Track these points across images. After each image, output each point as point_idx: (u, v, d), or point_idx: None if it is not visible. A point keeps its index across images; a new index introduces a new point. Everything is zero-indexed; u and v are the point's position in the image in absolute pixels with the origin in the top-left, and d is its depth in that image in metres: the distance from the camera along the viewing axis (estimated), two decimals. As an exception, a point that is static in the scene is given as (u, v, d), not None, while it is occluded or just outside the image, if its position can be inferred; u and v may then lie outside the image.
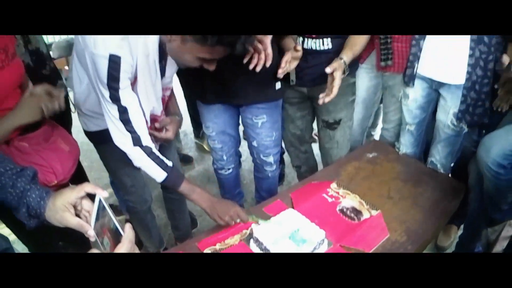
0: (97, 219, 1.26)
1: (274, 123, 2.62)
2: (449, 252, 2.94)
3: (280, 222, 1.94)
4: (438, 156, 2.59)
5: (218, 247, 1.92)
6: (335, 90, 2.14)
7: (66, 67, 5.51)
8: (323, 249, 1.89)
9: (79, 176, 2.39)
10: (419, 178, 2.37)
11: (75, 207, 1.28)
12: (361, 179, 2.39)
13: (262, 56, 1.93)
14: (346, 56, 2.22)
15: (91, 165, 2.25)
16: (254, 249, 1.89)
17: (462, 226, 2.89)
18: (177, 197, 2.82)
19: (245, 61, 1.95)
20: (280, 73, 2.12)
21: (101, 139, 2.13)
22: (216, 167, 2.94)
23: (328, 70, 2.12)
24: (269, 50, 1.95)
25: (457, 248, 2.78)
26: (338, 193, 2.26)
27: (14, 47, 1.83)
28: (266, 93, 2.46)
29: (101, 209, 1.27)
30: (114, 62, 1.62)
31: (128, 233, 1.18)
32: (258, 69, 1.95)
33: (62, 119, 2.20)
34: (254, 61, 1.95)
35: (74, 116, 2.31)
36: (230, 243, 1.95)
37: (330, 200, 2.22)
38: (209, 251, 1.89)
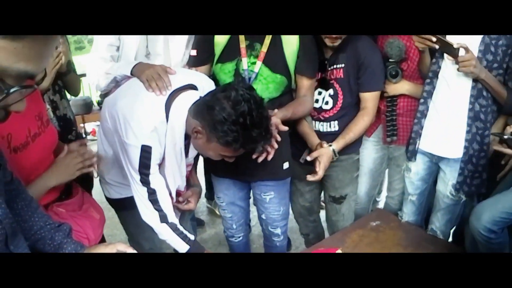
0: None
1: (282, 199, 2.72)
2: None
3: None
4: (438, 223, 2.70)
5: None
6: (320, 172, 2.42)
7: (81, 125, 5.67)
8: None
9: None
10: (419, 244, 2.47)
11: None
12: (365, 245, 2.50)
13: (271, 151, 2.14)
14: (337, 143, 2.49)
15: (106, 224, 2.35)
16: None
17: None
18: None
19: (254, 157, 2.15)
20: (318, 177, 2.46)
21: (122, 206, 2.27)
22: (226, 235, 3.01)
23: (308, 158, 2.41)
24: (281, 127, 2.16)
25: None
26: None
27: (47, 114, 1.90)
28: (273, 173, 2.57)
29: None
30: (146, 152, 1.82)
31: None
32: (269, 158, 2.16)
33: (86, 181, 2.34)
34: (263, 156, 2.15)
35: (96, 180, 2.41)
36: None
37: None
38: None
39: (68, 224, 1.49)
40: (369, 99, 2.58)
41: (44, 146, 1.80)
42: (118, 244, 1.45)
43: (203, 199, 4.62)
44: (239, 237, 3.00)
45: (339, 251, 2.43)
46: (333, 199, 2.90)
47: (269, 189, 2.66)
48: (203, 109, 1.80)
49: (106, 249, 1.41)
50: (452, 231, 2.93)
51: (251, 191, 2.83)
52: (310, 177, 2.43)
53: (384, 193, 3.94)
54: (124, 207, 2.23)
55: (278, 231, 2.86)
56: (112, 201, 2.35)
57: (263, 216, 2.82)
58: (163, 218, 1.97)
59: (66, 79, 2.70)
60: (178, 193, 2.21)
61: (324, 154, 2.39)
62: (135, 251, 1.45)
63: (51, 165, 1.82)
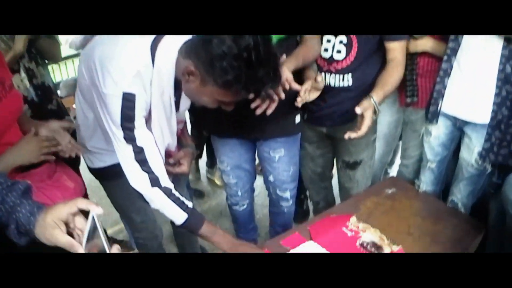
0: (89, 238, 1.14)
1: (292, 157, 2.55)
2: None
3: (300, 256, 1.88)
4: (460, 195, 2.52)
5: None
6: (364, 129, 2.03)
7: (74, 106, 5.50)
8: None
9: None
10: (439, 216, 2.29)
11: (67, 224, 1.16)
12: (380, 214, 2.32)
13: (273, 103, 1.90)
14: (377, 95, 2.09)
15: (100, 202, 2.18)
16: None
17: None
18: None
19: (253, 106, 1.91)
20: (299, 101, 2.05)
21: (107, 175, 2.08)
22: (230, 203, 2.86)
23: (358, 110, 1.99)
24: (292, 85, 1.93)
25: None
26: (358, 227, 2.19)
27: (10, 79, 1.77)
28: (284, 128, 2.40)
29: (94, 228, 1.18)
30: (128, 101, 1.56)
31: None
32: (268, 112, 1.92)
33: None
34: (263, 106, 1.92)
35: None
36: None
37: (349, 234, 2.15)
38: None
39: (25, 182, 1.27)
40: (398, 49, 2.23)
41: (7, 112, 1.69)
42: (78, 200, 1.21)
43: (202, 169, 4.52)
44: (244, 205, 2.83)
45: (353, 218, 2.25)
46: (347, 164, 2.68)
47: (279, 146, 2.46)
48: (198, 45, 1.53)
49: (64, 207, 1.16)
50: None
51: (257, 153, 2.65)
52: (351, 134, 2.06)
53: (396, 165, 3.81)
54: (110, 177, 2.04)
55: (287, 194, 2.68)
56: (95, 171, 2.15)
57: (271, 178, 2.63)
58: (154, 181, 1.73)
59: (40, 43, 2.51)
60: (169, 154, 2.00)
61: (368, 108, 2.02)
62: (99, 208, 1.22)
63: (16, 143, 1.69)
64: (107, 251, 1.09)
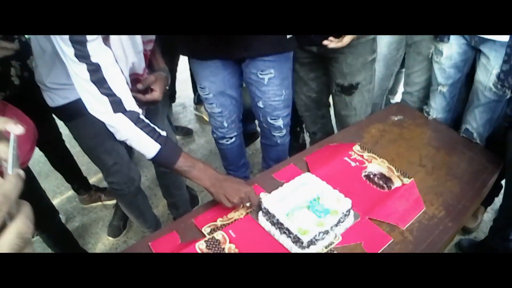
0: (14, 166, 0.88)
1: (284, 79, 2.25)
2: (476, 236, 2.73)
3: (295, 189, 1.58)
4: (475, 123, 2.22)
5: (219, 223, 1.59)
6: (345, 40, 1.94)
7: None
8: (349, 222, 1.56)
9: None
10: (452, 146, 2.04)
11: None
12: (388, 142, 2.05)
13: None
14: None
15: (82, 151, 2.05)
16: (264, 223, 1.55)
17: (489, 208, 2.77)
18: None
19: None
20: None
21: (71, 113, 1.85)
22: (216, 136, 2.59)
23: None
24: None
25: (491, 233, 2.50)
26: (362, 156, 1.92)
27: None
28: (274, 43, 2.07)
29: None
30: None
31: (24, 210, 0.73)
32: None
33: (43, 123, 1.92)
34: None
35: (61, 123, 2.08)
36: (233, 217, 1.61)
37: (353, 164, 1.88)
38: (208, 229, 1.56)
39: None
40: None
41: None
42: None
43: (190, 107, 4.25)
44: (232, 137, 2.54)
45: (356, 147, 1.98)
46: (342, 88, 2.40)
47: (268, 66, 2.13)
48: None
49: None
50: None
51: (244, 77, 2.32)
52: (330, 43, 1.94)
53: (399, 95, 3.57)
54: (74, 115, 1.81)
55: (280, 123, 2.38)
56: (58, 111, 1.92)
57: (260, 104, 2.31)
58: (117, 105, 1.46)
59: None
60: (137, 79, 1.75)
61: None
62: (19, 127, 0.90)
63: None
64: (9, 172, 0.78)
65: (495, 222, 2.51)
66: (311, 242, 1.41)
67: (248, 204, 1.60)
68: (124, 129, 1.48)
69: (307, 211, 1.48)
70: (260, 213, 1.56)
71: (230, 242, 1.48)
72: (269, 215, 1.50)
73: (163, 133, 1.54)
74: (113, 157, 2.06)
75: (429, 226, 1.58)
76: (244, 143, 2.78)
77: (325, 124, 2.84)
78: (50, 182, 3.29)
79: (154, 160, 1.55)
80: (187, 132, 3.86)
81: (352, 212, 1.56)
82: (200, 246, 1.47)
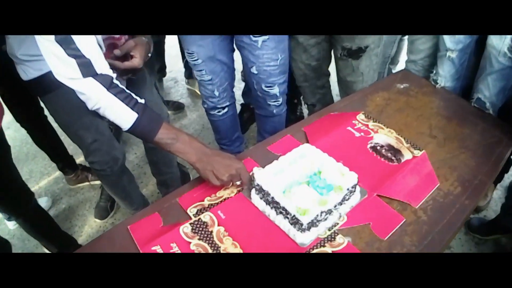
0: None
1: (279, 42, 2.07)
2: (486, 214, 2.64)
3: (293, 162, 1.39)
4: (488, 92, 2.01)
5: (207, 202, 1.40)
6: None
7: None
8: (355, 199, 1.37)
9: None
10: (464, 117, 1.86)
11: None
12: (394, 112, 1.86)
13: None
14: None
15: None
16: (257, 202, 1.36)
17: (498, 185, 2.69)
18: None
19: None
20: None
21: (44, 86, 1.73)
22: (207, 107, 2.43)
23: None
24: None
25: (502, 211, 2.41)
26: (367, 126, 1.73)
27: None
28: None
29: None
30: None
31: None
32: None
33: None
34: None
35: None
36: (223, 196, 1.42)
37: (357, 134, 1.69)
38: (195, 209, 1.37)
39: None
40: None
41: None
42: None
43: (182, 81, 4.11)
44: (224, 108, 2.40)
45: (360, 115, 1.79)
46: (349, 52, 2.21)
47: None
48: None
49: None
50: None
51: (235, 42, 2.16)
52: None
53: (401, 64, 3.40)
54: (48, 87, 1.71)
55: (275, 91, 2.22)
56: (32, 85, 1.78)
57: (254, 70, 2.13)
58: (86, 68, 1.26)
59: None
60: (114, 44, 1.58)
61: None
62: None
63: None
64: None
65: (507, 199, 2.42)
66: (312, 224, 1.22)
67: (238, 183, 1.41)
68: (95, 95, 1.28)
69: (307, 188, 1.29)
70: (253, 190, 1.37)
71: (218, 225, 1.31)
72: (263, 192, 1.31)
73: (141, 101, 1.35)
74: (91, 133, 1.92)
75: (445, 204, 1.42)
76: (237, 115, 2.62)
77: (324, 95, 2.67)
78: (37, 163, 3.24)
79: (131, 131, 1.35)
80: (178, 107, 3.73)
81: (358, 188, 1.38)
82: (185, 230, 1.29)
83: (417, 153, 1.57)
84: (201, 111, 3.61)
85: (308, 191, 1.27)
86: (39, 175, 3.12)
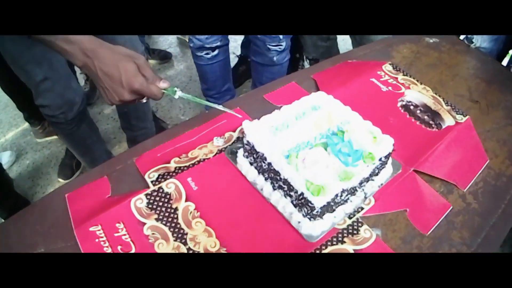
0: None
1: None
2: None
3: (302, 115, 1.00)
4: None
5: (174, 165, 1.01)
6: None
7: None
8: (386, 174, 1.01)
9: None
10: (504, 83, 1.54)
11: None
12: (426, 67, 1.52)
13: None
14: None
15: None
16: (246, 169, 0.98)
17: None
18: None
19: None
20: None
21: None
22: (193, 46, 2.14)
23: None
24: None
25: None
26: (396, 79, 1.36)
27: None
28: None
29: None
30: None
31: None
32: None
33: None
34: None
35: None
36: (198, 156, 1.04)
37: (384, 88, 1.32)
38: (156, 174, 0.99)
39: None
40: None
41: None
42: None
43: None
44: (214, 49, 2.13)
45: (387, 66, 1.42)
46: None
47: None
48: None
49: None
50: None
51: None
52: None
53: None
54: None
55: None
56: None
57: None
58: None
59: None
60: None
61: None
62: None
63: None
64: None
65: None
66: (327, 208, 0.84)
67: (144, 100, 1.00)
68: None
69: (323, 153, 0.88)
70: (241, 151, 0.98)
71: (187, 200, 0.93)
72: (255, 155, 0.92)
73: None
74: (43, 69, 1.63)
75: (498, 188, 1.11)
76: (230, 63, 2.31)
77: (329, 49, 2.41)
78: (7, 113, 3.01)
79: None
80: (165, 56, 3.47)
81: (390, 159, 1.00)
82: (138, 204, 0.92)
83: (460, 118, 1.24)
84: (190, 61, 3.36)
85: (325, 158, 0.87)
86: (7, 126, 2.88)
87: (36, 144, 2.73)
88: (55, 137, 2.70)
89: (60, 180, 2.46)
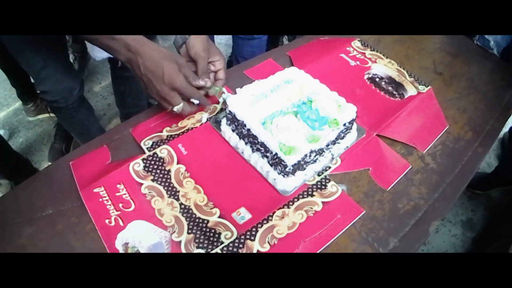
0: None
1: None
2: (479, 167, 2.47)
3: (277, 88, 1.11)
4: None
5: (166, 133, 1.12)
6: None
7: None
8: (351, 139, 1.12)
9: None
10: (469, 55, 1.62)
11: None
12: (393, 42, 1.60)
13: None
14: None
15: None
16: (229, 134, 1.10)
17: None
18: (131, 73, 2.03)
19: None
20: None
21: None
22: None
23: None
24: None
25: (502, 162, 2.40)
26: (364, 54, 1.46)
27: None
28: None
29: None
30: None
31: None
32: None
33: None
34: None
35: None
36: (186, 126, 1.15)
37: (352, 63, 1.42)
38: (150, 142, 1.10)
39: None
40: None
41: None
42: None
43: None
44: None
45: (356, 42, 1.52)
46: None
47: None
48: None
49: None
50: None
51: None
52: None
53: None
54: None
55: None
56: None
57: None
58: None
59: None
60: None
61: None
62: None
63: None
64: None
65: (507, 150, 2.37)
66: (298, 166, 0.96)
67: (176, 109, 1.08)
68: None
69: (294, 119, 1.01)
70: (224, 120, 1.09)
71: (178, 162, 1.04)
72: (236, 123, 1.04)
73: None
74: (43, 57, 1.66)
75: (456, 150, 1.21)
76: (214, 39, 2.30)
77: None
78: None
79: None
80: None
81: (355, 125, 1.12)
82: (136, 167, 1.03)
83: (422, 89, 1.33)
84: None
85: (295, 123, 0.99)
86: (-2, 106, 2.90)
87: (28, 122, 2.75)
88: (46, 115, 2.73)
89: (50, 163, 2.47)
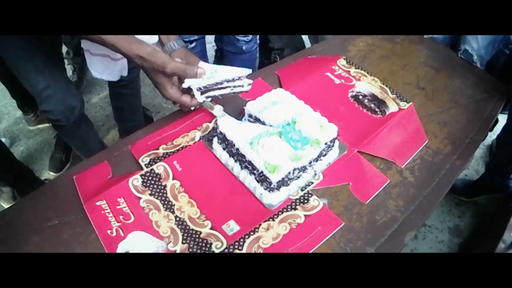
0: None
1: None
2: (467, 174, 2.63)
3: (264, 109, 1.20)
4: (476, 44, 1.87)
5: (162, 151, 1.20)
6: None
7: None
8: (333, 156, 1.20)
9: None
10: (453, 69, 1.70)
11: None
12: (378, 59, 1.68)
13: None
14: None
15: None
16: (219, 153, 1.18)
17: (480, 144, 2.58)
18: (128, 91, 2.14)
19: None
20: None
21: None
22: None
23: None
24: None
25: (488, 170, 2.40)
26: (348, 72, 1.54)
27: None
28: None
29: None
30: None
31: None
32: None
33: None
34: None
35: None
36: (181, 144, 1.23)
37: (337, 81, 1.50)
38: (148, 159, 1.18)
39: None
40: None
41: None
42: None
43: None
44: (192, 42, 2.16)
45: (341, 60, 1.60)
46: None
47: None
48: None
49: None
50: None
51: None
52: None
53: None
54: None
55: None
56: None
57: None
58: None
59: None
60: None
61: None
62: None
63: None
64: None
65: (493, 159, 2.39)
66: (283, 183, 1.05)
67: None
68: None
69: (278, 140, 1.09)
70: (215, 139, 1.18)
71: (174, 178, 1.12)
72: (226, 142, 1.12)
73: None
74: (44, 78, 1.71)
75: (434, 164, 1.28)
76: (206, 54, 2.38)
77: (292, 38, 2.52)
78: None
79: None
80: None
81: (337, 142, 1.20)
82: (135, 183, 1.11)
83: (404, 105, 1.41)
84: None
85: (279, 143, 1.08)
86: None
87: (28, 131, 2.80)
88: (46, 124, 2.76)
89: (51, 173, 2.52)
